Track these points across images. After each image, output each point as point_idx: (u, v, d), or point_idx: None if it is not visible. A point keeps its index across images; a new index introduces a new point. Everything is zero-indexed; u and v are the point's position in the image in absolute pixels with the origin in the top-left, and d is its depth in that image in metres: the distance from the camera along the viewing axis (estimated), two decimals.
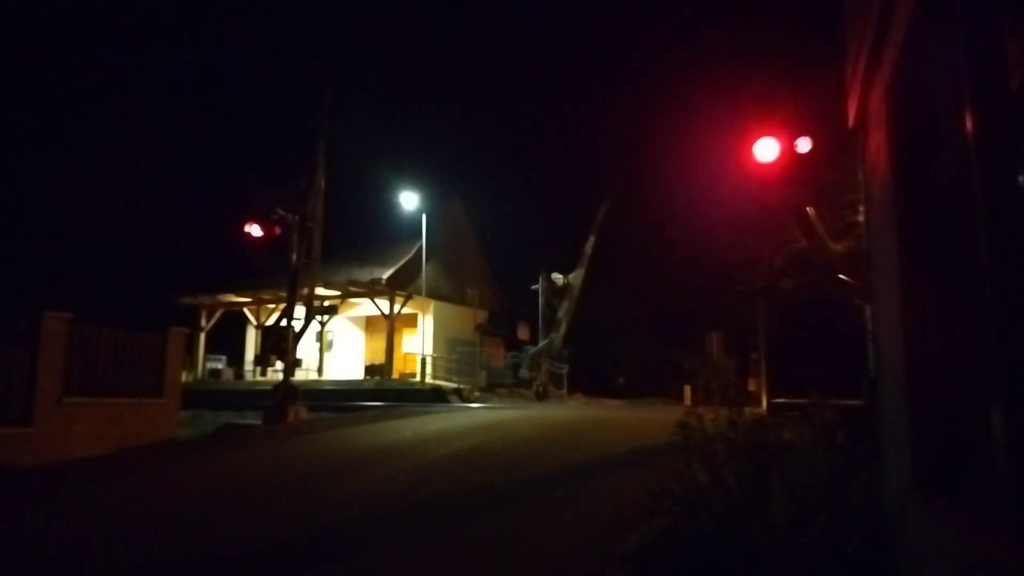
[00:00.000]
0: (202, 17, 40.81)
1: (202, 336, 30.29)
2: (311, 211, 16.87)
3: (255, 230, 16.30)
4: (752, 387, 18.76)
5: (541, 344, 28.67)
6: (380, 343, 28.57)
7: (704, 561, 4.06)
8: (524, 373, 28.41)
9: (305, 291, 17.51)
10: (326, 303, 26.54)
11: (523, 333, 32.70)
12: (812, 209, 8.22)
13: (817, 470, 4.73)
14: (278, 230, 16.38)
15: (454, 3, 58.53)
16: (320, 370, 28.81)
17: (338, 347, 31.16)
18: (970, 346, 2.79)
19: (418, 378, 27.22)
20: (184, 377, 17.56)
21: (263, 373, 26.22)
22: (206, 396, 21.96)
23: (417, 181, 31.08)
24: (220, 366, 30.15)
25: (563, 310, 28.67)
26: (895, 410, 3.55)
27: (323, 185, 17.29)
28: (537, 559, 5.24)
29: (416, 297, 28.33)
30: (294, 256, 16.54)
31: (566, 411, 19.80)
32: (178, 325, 14.71)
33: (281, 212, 16.26)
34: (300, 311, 17.36)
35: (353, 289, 27.20)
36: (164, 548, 5.57)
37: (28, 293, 18.45)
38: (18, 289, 18.94)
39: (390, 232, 30.49)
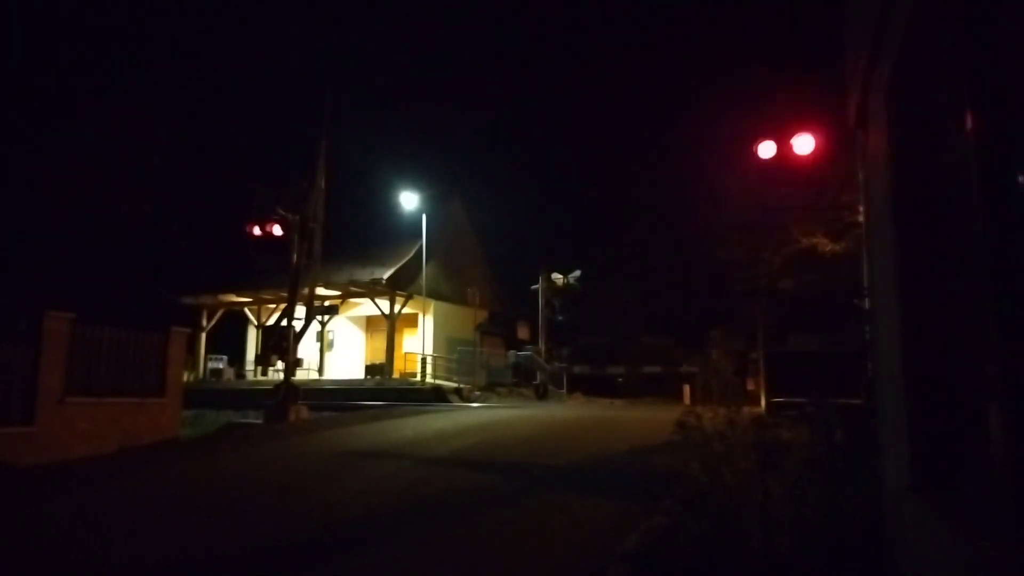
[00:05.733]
0: (204, 17, 40.82)
1: (203, 336, 30.32)
2: (312, 211, 16.87)
3: (256, 230, 16.34)
4: (751, 386, 18.80)
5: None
6: (381, 343, 28.59)
7: (703, 560, 4.07)
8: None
9: (306, 291, 17.52)
10: (327, 303, 26.56)
11: (523, 333, 32.74)
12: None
13: (815, 469, 4.74)
14: (279, 230, 16.40)
15: (455, 3, 58.50)
16: (321, 370, 28.84)
17: (339, 347, 31.18)
18: (969, 346, 2.80)
19: (418, 378, 27.25)
20: (186, 377, 17.55)
21: (263, 373, 26.24)
22: (207, 396, 21.97)
23: (417, 181, 31.09)
24: (221, 366, 30.19)
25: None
26: (893, 409, 3.56)
27: (323, 185, 17.28)
28: (537, 557, 5.24)
29: (416, 297, 28.34)
30: (295, 256, 16.56)
31: (565, 410, 19.81)
32: (179, 325, 14.69)
33: (282, 212, 16.28)
34: (301, 311, 17.38)
35: (354, 289, 27.23)
36: (166, 547, 5.58)
37: (30, 293, 18.45)
38: (20, 289, 18.94)
39: (390, 232, 30.50)
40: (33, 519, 6.82)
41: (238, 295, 29.33)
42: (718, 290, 25.95)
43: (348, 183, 29.37)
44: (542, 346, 29.48)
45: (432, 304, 30.00)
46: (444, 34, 60.75)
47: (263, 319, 29.53)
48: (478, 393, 25.40)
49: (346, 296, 27.93)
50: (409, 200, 29.63)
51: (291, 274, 16.69)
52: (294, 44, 52.23)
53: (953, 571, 2.42)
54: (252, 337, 31.37)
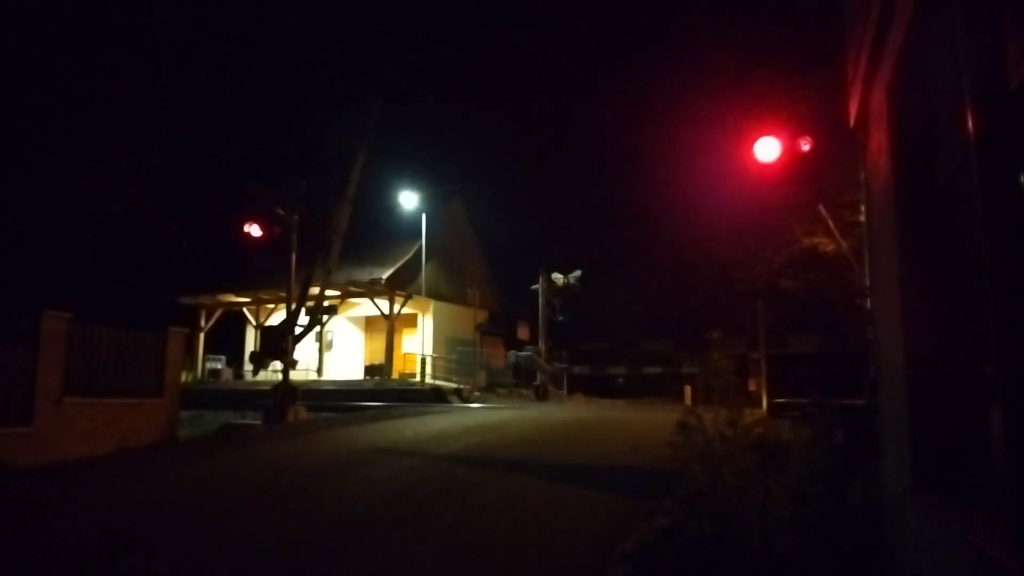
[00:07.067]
0: (204, 16, 40.81)
1: (202, 336, 30.31)
2: (336, 223, 17.18)
3: (255, 230, 16.34)
4: (752, 387, 18.75)
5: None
6: (380, 343, 28.57)
7: (703, 560, 4.06)
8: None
9: (316, 291, 17.59)
10: (326, 303, 26.52)
11: (523, 333, 32.70)
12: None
13: (816, 470, 4.74)
14: (278, 230, 16.40)
15: (456, 3, 58.54)
16: (320, 370, 28.81)
17: (338, 347, 31.16)
18: (970, 346, 2.79)
19: (418, 378, 27.22)
20: (184, 377, 17.54)
21: (255, 373, 26.25)
22: (206, 396, 21.97)
23: (417, 181, 31.09)
24: (220, 366, 30.18)
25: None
26: (895, 410, 3.55)
27: (353, 198, 17.60)
28: (538, 557, 5.24)
29: (416, 297, 28.32)
30: (294, 256, 16.58)
31: (566, 411, 19.80)
32: (178, 325, 14.70)
33: (281, 212, 16.27)
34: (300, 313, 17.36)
35: (353, 289, 27.20)
36: (165, 548, 5.57)
37: (28, 293, 18.44)
38: (18, 289, 18.94)
39: (390, 232, 30.49)
40: (35, 520, 6.81)
41: (237, 295, 29.31)
42: (719, 290, 25.93)
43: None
44: (542, 346, 29.45)
45: (432, 304, 29.98)
46: (444, 33, 60.81)
47: (262, 319, 29.52)
48: (478, 394, 25.38)
49: (345, 296, 27.89)
50: (409, 200, 29.61)
51: (289, 274, 16.71)
52: (293, 43, 52.27)
53: (953, 571, 2.42)
54: (251, 337, 31.35)
